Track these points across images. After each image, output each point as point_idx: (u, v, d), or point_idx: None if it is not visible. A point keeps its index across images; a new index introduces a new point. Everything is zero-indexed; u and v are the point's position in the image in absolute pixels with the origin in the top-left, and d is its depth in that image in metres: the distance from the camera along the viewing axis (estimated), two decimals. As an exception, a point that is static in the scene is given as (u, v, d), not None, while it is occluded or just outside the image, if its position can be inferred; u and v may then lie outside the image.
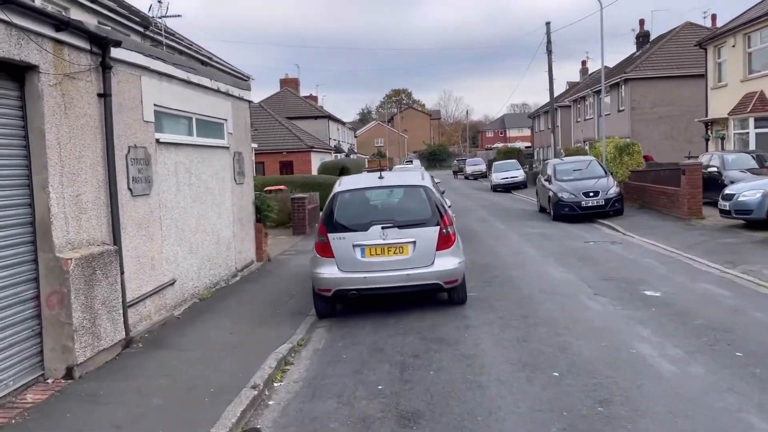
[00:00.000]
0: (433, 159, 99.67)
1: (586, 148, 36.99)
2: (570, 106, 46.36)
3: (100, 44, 6.27)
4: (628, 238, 14.35)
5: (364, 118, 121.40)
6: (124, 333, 6.47)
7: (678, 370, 5.61)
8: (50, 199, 5.60)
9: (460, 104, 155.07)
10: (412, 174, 9.13)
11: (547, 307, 8.05)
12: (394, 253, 7.81)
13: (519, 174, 35.28)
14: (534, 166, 46.69)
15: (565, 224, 17.43)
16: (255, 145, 29.65)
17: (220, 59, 28.14)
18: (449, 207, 16.14)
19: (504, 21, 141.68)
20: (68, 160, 5.87)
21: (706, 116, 26.36)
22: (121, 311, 6.40)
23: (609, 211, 17.73)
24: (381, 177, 8.43)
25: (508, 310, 8.03)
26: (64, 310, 5.59)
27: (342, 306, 8.52)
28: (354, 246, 7.79)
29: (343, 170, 26.80)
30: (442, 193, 24.92)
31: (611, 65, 41.68)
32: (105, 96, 6.39)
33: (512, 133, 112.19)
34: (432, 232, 7.85)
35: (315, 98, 69.37)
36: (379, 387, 5.59)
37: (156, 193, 7.72)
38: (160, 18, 18.90)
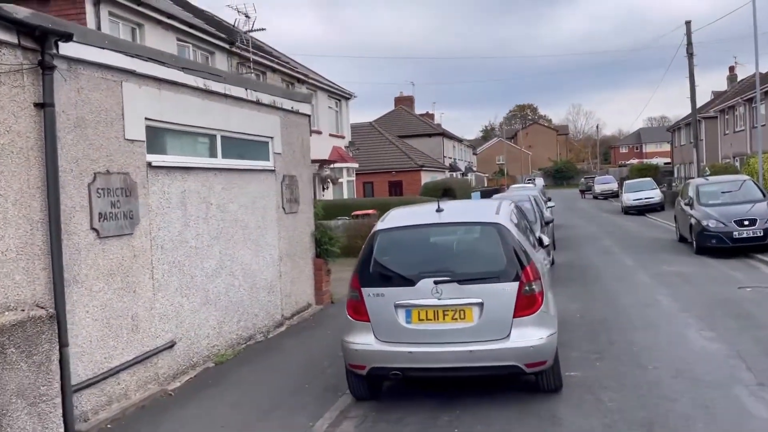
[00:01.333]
0: (559, 177, 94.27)
1: (737, 164, 31.87)
2: (716, 117, 40.77)
3: (35, 36, 4.66)
4: (801, 283, 10.86)
5: (488, 135, 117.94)
6: (63, 430, 4.74)
7: None
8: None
9: (591, 118, 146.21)
10: (486, 206, 6.70)
11: (683, 407, 5.34)
12: (453, 318, 5.51)
13: (654, 194, 30.99)
14: (674, 184, 41.51)
15: (712, 260, 13.97)
16: (356, 165, 28.30)
17: (319, 75, 27.13)
18: (549, 224, 13.55)
19: (638, 30, 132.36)
20: (-24, 193, 4.27)
21: None
22: (58, 401, 4.68)
23: (770, 243, 14.04)
24: (439, 210, 6.16)
25: (622, 408, 5.40)
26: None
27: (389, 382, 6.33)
28: (396, 307, 5.60)
29: (447, 191, 24.61)
30: (548, 203, 21.77)
31: (766, 71, 36.01)
32: (45, 106, 4.77)
33: (649, 148, 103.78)
34: (508, 291, 5.46)
35: (431, 116, 67.74)
36: None
37: (145, 232, 6.02)
38: (245, 32, 17.92)
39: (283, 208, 9.07)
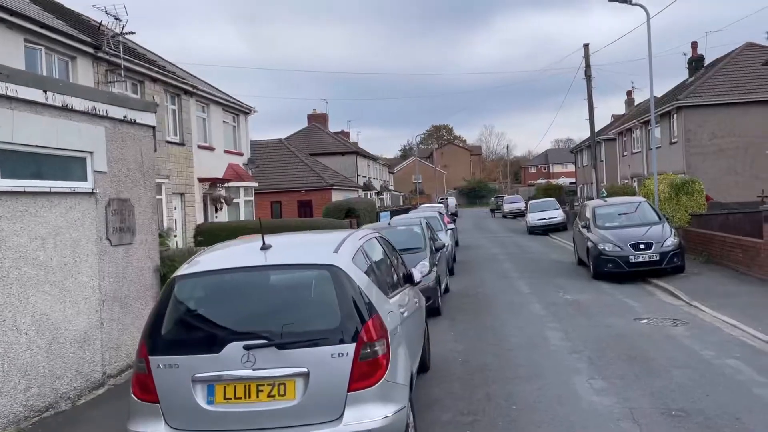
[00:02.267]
0: (472, 196, 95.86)
1: (635, 185, 32.69)
2: (615, 139, 42.07)
3: None
4: (696, 312, 10.30)
5: (406, 154, 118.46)
6: None
7: None
8: None
9: (502, 139, 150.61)
10: (326, 242, 5.30)
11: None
12: (270, 396, 4.15)
13: (557, 214, 31.17)
14: (576, 204, 42.35)
15: (609, 285, 13.40)
16: (255, 184, 26.62)
17: (213, 88, 25.35)
18: (439, 250, 12.41)
19: (547, 54, 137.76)
20: None
21: (782, 147, 21.95)
22: None
23: (666, 268, 13.66)
24: (265, 247, 4.80)
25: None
26: None
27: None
28: (195, 382, 4.19)
29: (350, 212, 23.39)
30: (448, 225, 20.79)
31: (660, 95, 37.48)
32: None
33: (556, 168, 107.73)
34: (341, 356, 4.18)
35: (347, 134, 66.83)
36: None
37: None
38: (114, 36, 16.03)
39: (109, 240, 7.44)
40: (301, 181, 39.60)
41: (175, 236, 20.44)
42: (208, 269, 4.68)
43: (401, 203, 69.37)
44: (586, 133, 31.03)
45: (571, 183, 64.62)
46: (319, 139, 54.12)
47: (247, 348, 4.15)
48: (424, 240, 11.38)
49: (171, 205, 19.87)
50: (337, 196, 37.80)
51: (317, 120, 58.12)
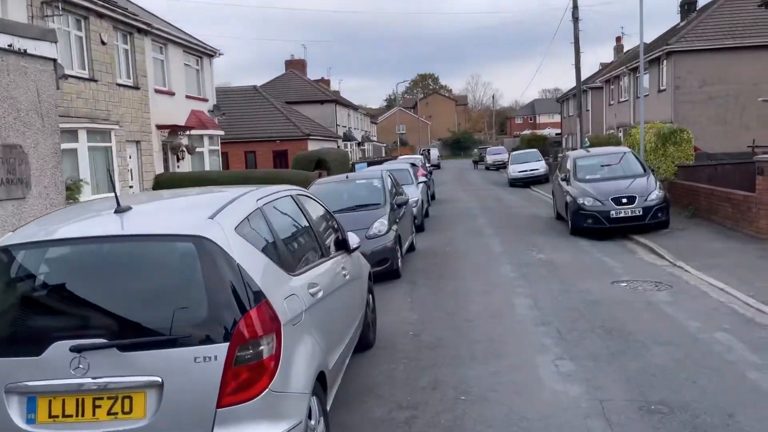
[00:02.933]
0: (457, 147, 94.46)
1: (620, 135, 31.57)
2: (602, 87, 40.68)
3: None
4: (681, 273, 9.33)
5: (391, 105, 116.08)
6: None
7: None
8: None
9: (489, 89, 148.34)
10: (205, 203, 4.01)
11: None
12: (110, 413, 3.06)
13: (539, 166, 30.07)
14: (559, 155, 41.23)
15: (587, 242, 12.43)
16: (221, 132, 25.15)
17: (174, 27, 23.50)
18: (402, 206, 10.56)
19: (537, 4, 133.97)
20: None
21: (775, 95, 20.83)
22: None
23: (650, 223, 12.68)
24: (121, 210, 3.59)
25: None
26: None
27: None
28: (8, 393, 3.09)
29: (320, 163, 22.09)
30: (420, 178, 19.51)
31: (650, 41, 35.96)
32: None
33: (542, 119, 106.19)
34: (208, 360, 3.05)
35: (327, 82, 64.70)
36: None
37: None
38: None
39: (-10, 193, 6.21)
40: (276, 130, 38.05)
41: (131, 187, 19.13)
42: (33, 240, 3.46)
43: (383, 154, 67.94)
44: (573, 83, 29.65)
45: (557, 134, 63.44)
46: (296, 86, 52.14)
47: (75, 350, 3.02)
48: (383, 195, 10.23)
49: (124, 153, 18.47)
50: (314, 147, 36.33)
51: (295, 66, 55.94)
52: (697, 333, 6.46)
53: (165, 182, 20.08)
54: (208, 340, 3.09)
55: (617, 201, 12.82)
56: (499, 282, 9.27)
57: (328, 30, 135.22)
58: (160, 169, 20.81)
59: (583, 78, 32.67)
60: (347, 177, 11.02)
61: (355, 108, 62.97)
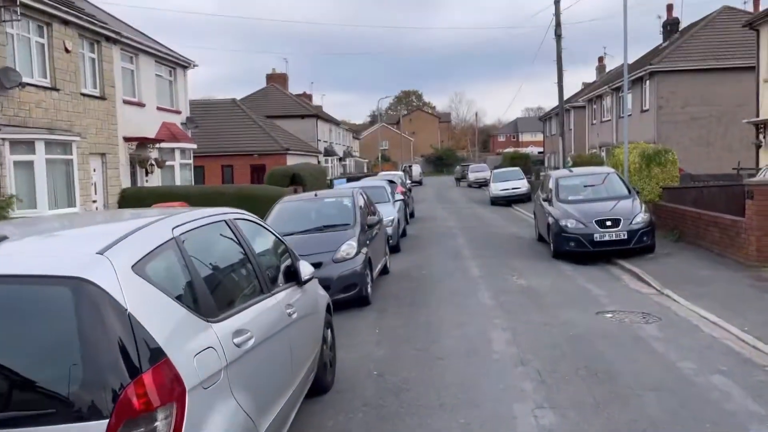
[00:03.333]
0: (439, 164, 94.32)
1: (602, 155, 31.32)
2: (584, 106, 40.56)
3: None
4: (669, 303, 8.72)
5: (374, 120, 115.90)
6: None
7: None
8: None
9: (472, 107, 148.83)
10: (102, 231, 3.38)
11: None
12: None
13: (521, 185, 29.62)
14: (542, 174, 40.94)
15: (570, 267, 11.81)
16: (193, 146, 24.32)
17: (146, 37, 22.76)
18: (373, 226, 9.82)
19: (520, 19, 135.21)
20: None
21: (758, 116, 20.54)
22: None
23: (634, 248, 12.10)
24: None
25: None
26: None
27: None
28: None
29: (295, 178, 21.35)
30: (405, 197, 18.84)
31: (633, 61, 35.91)
32: None
33: (525, 137, 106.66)
34: None
35: (309, 97, 64.11)
36: None
37: None
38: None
39: None
40: (255, 144, 37.32)
41: (94, 201, 18.23)
42: None
43: (365, 170, 67.37)
44: (556, 102, 29.40)
45: (539, 152, 63.36)
46: (277, 100, 51.51)
47: None
48: (353, 215, 9.52)
49: (87, 166, 17.59)
50: (293, 161, 35.60)
51: (276, 80, 55.30)
52: (691, 376, 5.80)
53: (131, 197, 19.22)
54: (78, 418, 2.34)
55: (601, 223, 12.25)
56: (475, 311, 8.57)
57: (312, 44, 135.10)
58: (127, 183, 19.93)
59: (565, 97, 32.44)
60: (316, 195, 10.31)
61: (337, 123, 62.41)
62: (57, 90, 16.20)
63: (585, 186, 14.13)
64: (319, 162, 49.42)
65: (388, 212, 14.18)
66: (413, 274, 11.62)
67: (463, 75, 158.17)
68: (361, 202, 10.27)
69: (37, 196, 14.87)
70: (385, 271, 11.33)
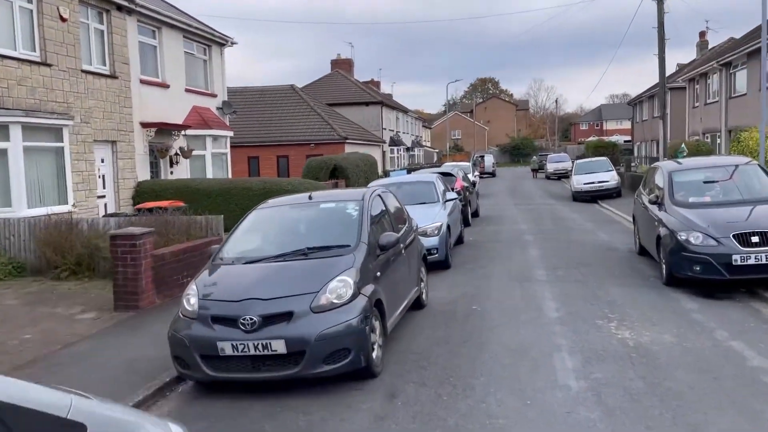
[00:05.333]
0: (515, 154, 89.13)
1: (708, 141, 26.29)
2: (684, 87, 35.14)
3: None
4: None
5: (450, 109, 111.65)
6: None
7: None
8: None
9: (552, 94, 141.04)
10: None
11: None
12: None
13: (609, 177, 25.19)
14: (633, 165, 35.96)
15: (695, 302, 7.96)
16: (229, 133, 21.59)
17: (173, 8, 20.18)
18: (386, 248, 6.22)
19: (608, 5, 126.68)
20: None
21: None
22: None
23: (794, 276, 8.08)
24: None
25: None
26: None
27: None
28: None
29: (336, 171, 18.16)
30: (466, 193, 15.06)
31: (740, 36, 30.36)
32: None
33: (610, 125, 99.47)
34: None
35: (377, 84, 60.96)
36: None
37: None
38: None
39: None
40: (311, 133, 34.53)
41: (103, 197, 15.71)
42: None
43: (434, 160, 63.62)
44: (644, 88, 25.01)
45: (626, 141, 57.61)
46: (341, 87, 48.69)
47: None
48: (358, 230, 6.08)
49: (91, 156, 15.04)
50: (352, 151, 32.56)
51: (341, 66, 52.41)
52: None
53: (146, 191, 16.62)
54: None
55: (743, 239, 8.28)
56: (547, 405, 4.97)
57: (389, 36, 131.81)
58: (145, 176, 17.37)
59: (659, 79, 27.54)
60: (310, 198, 6.97)
61: (405, 111, 58.97)
62: (48, 65, 13.67)
63: (705, 182, 10.10)
64: (384, 152, 46.25)
65: (434, 216, 10.69)
66: (459, 311, 8.08)
67: (542, 61, 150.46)
68: (377, 208, 6.83)
69: (12, 192, 12.36)
70: (417, 304, 7.88)
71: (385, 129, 47.71)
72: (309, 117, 35.75)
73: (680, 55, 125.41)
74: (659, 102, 23.72)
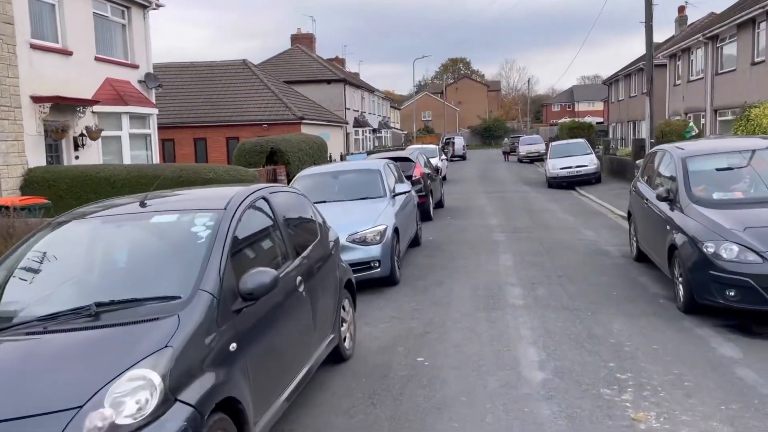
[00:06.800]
0: (487, 135, 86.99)
1: (691, 122, 24.11)
2: (665, 65, 32.92)
3: None
4: None
5: (421, 90, 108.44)
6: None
7: None
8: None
9: (524, 75, 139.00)
10: None
11: None
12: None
13: (588, 161, 22.83)
14: (611, 147, 33.74)
15: (732, 342, 5.47)
16: (153, 111, 18.53)
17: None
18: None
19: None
20: None
21: None
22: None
23: None
24: None
25: None
26: None
27: None
28: None
29: (274, 154, 15.38)
30: (428, 181, 10.30)
31: (718, 12, 28.18)
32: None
33: (582, 107, 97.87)
34: None
35: (341, 61, 57.64)
36: None
37: None
38: None
39: None
40: (264, 112, 31.50)
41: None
42: None
43: (402, 142, 60.93)
44: (615, 70, 22.78)
45: (598, 123, 55.59)
46: (301, 64, 45.49)
47: None
48: (200, 267, 3.33)
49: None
50: (309, 132, 29.67)
51: (302, 41, 49.13)
52: None
53: (38, 180, 13.62)
54: None
55: (797, 254, 5.82)
56: None
57: (354, 16, 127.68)
58: (39, 161, 14.33)
59: (637, 56, 25.30)
60: (142, 204, 4.13)
61: (371, 90, 55.97)
62: None
63: (729, 167, 7.66)
64: (346, 133, 43.32)
65: (377, 216, 8.03)
66: (396, 367, 5.45)
67: (513, 43, 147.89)
68: (254, 224, 4.10)
69: None
70: (335, 355, 5.26)
71: (348, 109, 44.81)
72: (262, 95, 32.71)
73: (657, 35, 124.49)
74: (646, 76, 21.42)
